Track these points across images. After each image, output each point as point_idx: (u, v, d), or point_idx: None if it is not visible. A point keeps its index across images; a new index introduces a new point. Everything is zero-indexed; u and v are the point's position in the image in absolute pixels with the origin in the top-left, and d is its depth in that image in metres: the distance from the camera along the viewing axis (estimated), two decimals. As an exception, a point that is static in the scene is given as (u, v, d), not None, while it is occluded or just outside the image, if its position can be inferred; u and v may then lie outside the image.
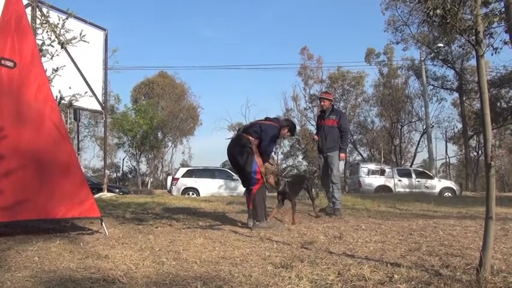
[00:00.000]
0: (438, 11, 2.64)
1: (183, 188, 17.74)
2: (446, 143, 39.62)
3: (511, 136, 37.73)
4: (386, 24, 30.92)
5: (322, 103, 6.58)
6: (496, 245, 3.41)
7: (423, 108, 30.78)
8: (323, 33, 63.74)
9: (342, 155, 6.42)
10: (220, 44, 68.58)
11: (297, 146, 38.29)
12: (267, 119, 5.38)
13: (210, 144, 60.02)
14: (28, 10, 6.17)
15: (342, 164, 6.85)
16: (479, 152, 36.17)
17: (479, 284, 2.40)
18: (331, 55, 69.63)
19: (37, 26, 6.32)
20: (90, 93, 10.90)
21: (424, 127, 31.33)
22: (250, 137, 5.07)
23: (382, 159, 37.74)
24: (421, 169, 25.62)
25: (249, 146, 5.04)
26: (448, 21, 2.67)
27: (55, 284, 2.52)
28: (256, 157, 5.02)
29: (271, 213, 5.41)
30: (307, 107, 39.52)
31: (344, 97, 39.07)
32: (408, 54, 46.95)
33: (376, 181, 19.71)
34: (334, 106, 6.77)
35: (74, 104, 7.16)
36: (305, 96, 39.83)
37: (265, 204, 5.13)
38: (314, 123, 35.45)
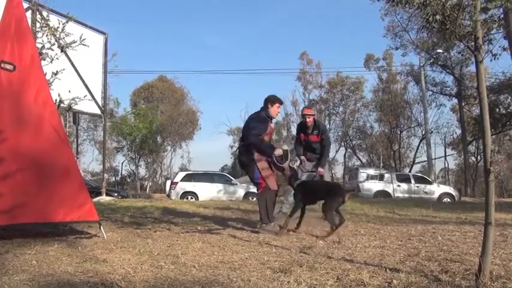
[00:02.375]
0: (438, 17, 2.65)
1: (181, 192, 17.72)
2: (445, 149, 39.73)
3: (510, 142, 37.75)
4: (385, 30, 31.05)
5: (308, 119, 6.27)
6: (495, 251, 3.41)
7: (422, 114, 30.87)
8: (323, 38, 63.98)
9: (321, 170, 6.14)
10: (220, 48, 68.77)
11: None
12: (261, 108, 5.40)
13: (209, 148, 60.10)
14: (28, 13, 6.16)
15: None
16: (478, 157, 36.20)
17: (478, 290, 2.40)
18: (331, 60, 69.88)
19: (37, 29, 6.32)
20: (89, 96, 10.91)
21: (423, 132, 31.39)
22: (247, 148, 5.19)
23: (381, 164, 37.78)
24: (420, 174, 25.61)
25: (250, 156, 5.13)
26: (447, 27, 2.68)
27: (53, 288, 2.52)
28: (257, 163, 5.08)
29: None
30: (307, 112, 39.46)
31: (343, 102, 39.18)
32: (407, 59, 47.07)
33: (375, 186, 19.72)
34: (316, 120, 6.45)
35: (73, 107, 7.15)
36: (304, 101, 39.92)
37: (268, 207, 5.03)
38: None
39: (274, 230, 4.85)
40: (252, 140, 5.12)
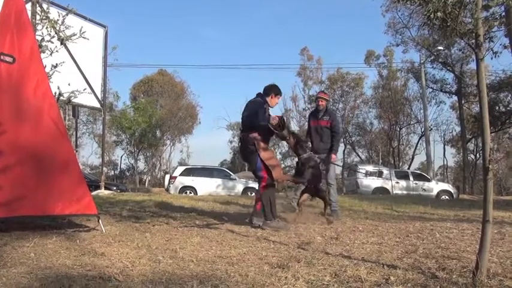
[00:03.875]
0: (439, 14, 2.64)
1: (180, 186, 17.74)
2: (444, 146, 39.76)
3: (509, 140, 37.75)
4: (386, 27, 30.92)
5: (320, 102, 6.40)
6: (492, 249, 3.41)
7: (422, 111, 30.83)
8: (323, 34, 63.80)
9: (333, 156, 6.26)
10: (220, 43, 68.74)
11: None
12: (258, 95, 5.34)
13: (208, 143, 60.08)
14: (28, 6, 6.12)
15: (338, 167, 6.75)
16: (477, 155, 36.23)
17: (475, 287, 2.40)
18: (331, 56, 69.79)
19: (37, 21, 6.29)
20: (89, 90, 10.89)
21: (423, 130, 31.37)
22: (251, 134, 5.06)
23: (380, 161, 37.82)
24: (418, 171, 25.64)
25: (251, 145, 5.05)
26: (448, 24, 2.67)
27: (51, 281, 2.52)
28: (260, 153, 5.02)
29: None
30: (306, 108, 39.57)
31: (343, 98, 39.09)
32: (408, 56, 47.15)
33: (374, 183, 19.73)
34: (328, 107, 6.61)
35: (73, 100, 7.13)
36: (304, 97, 39.84)
37: (271, 203, 5.01)
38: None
39: (279, 226, 4.85)
40: (259, 121, 4.99)
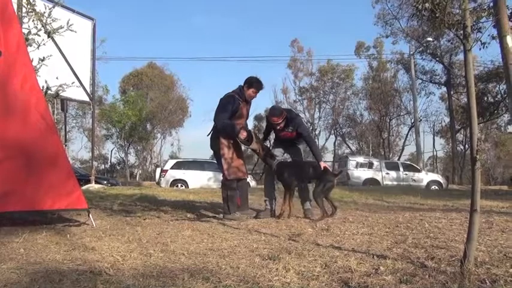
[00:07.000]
0: (427, 5, 2.65)
1: (171, 180, 17.70)
2: (433, 137, 40.09)
3: (497, 130, 38.16)
4: (376, 18, 30.99)
5: (278, 127, 5.25)
6: (480, 238, 3.45)
7: (411, 102, 31.16)
8: (314, 25, 63.73)
9: (322, 164, 5.22)
10: (210, 35, 68.36)
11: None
12: (238, 87, 5.29)
13: (199, 136, 59.86)
14: (14, -2, 6.04)
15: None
16: (466, 145, 36.56)
17: (463, 276, 2.43)
18: (322, 48, 69.78)
19: (23, 14, 6.21)
20: (77, 83, 10.78)
21: (412, 121, 31.60)
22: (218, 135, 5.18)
23: (371, 152, 38.05)
24: (408, 162, 25.85)
25: (217, 143, 5.17)
26: (437, 15, 2.68)
27: (40, 276, 2.51)
28: (222, 149, 5.12)
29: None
30: (297, 100, 39.66)
31: (333, 90, 39.22)
32: (398, 48, 47.09)
33: (364, 174, 19.86)
34: (288, 117, 5.25)
35: (61, 94, 7.06)
36: (295, 89, 39.91)
37: (229, 197, 5.10)
38: (303, 115, 35.68)
39: (234, 218, 4.98)
40: (217, 123, 5.11)
